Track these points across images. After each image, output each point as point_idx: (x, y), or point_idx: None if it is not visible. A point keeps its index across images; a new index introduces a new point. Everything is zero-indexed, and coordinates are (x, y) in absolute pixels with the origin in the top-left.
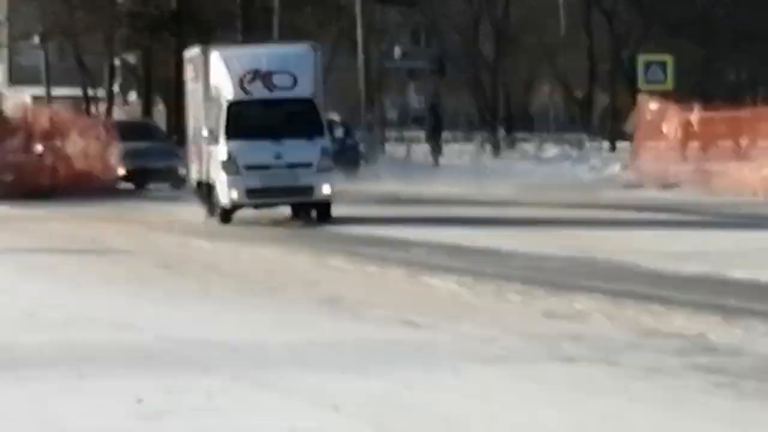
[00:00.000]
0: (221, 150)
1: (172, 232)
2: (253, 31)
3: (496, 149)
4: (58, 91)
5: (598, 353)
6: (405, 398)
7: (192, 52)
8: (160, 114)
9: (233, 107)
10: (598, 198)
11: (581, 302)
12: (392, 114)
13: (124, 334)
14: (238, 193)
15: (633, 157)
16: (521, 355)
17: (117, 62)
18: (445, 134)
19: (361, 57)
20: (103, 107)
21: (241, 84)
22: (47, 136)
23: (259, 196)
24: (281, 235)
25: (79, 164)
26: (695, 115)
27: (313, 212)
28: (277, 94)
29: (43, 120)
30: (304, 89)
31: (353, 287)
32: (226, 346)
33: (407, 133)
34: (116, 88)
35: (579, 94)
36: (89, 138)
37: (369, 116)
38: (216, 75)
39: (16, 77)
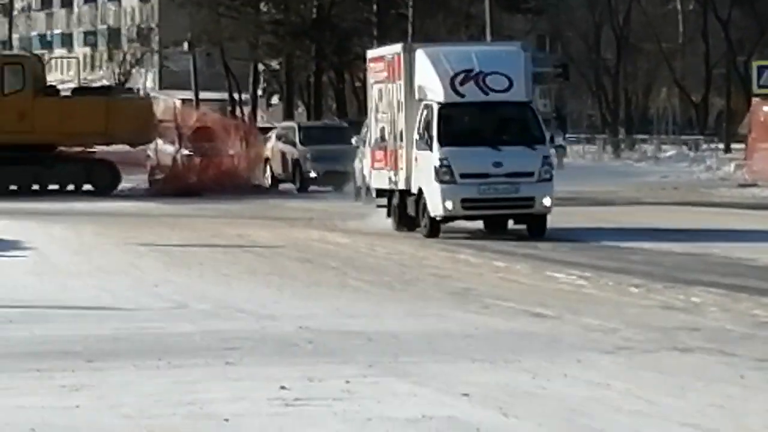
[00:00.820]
0: (433, 157)
1: (312, 228)
2: (388, 37)
3: (617, 150)
4: (205, 95)
5: (714, 344)
6: (531, 386)
7: (385, 51)
8: (300, 116)
9: (446, 110)
10: (714, 196)
11: (698, 295)
12: None
13: (268, 325)
14: (453, 204)
15: (747, 158)
16: (641, 346)
17: (260, 67)
18: (569, 136)
19: None
20: (247, 110)
21: (452, 85)
22: (195, 138)
23: (475, 207)
24: (415, 230)
25: (226, 164)
26: None
27: (510, 223)
28: (493, 97)
29: (191, 122)
30: (520, 92)
31: (482, 281)
32: (363, 336)
33: None
34: (260, 91)
35: (696, 97)
36: (235, 139)
37: None
38: (422, 75)
39: (166, 82)
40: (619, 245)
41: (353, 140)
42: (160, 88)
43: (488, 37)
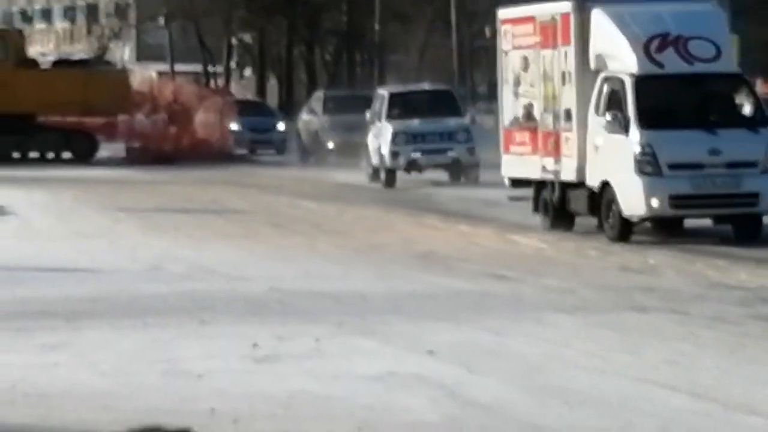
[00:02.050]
0: (630, 142)
1: (282, 194)
2: (356, 12)
3: None
4: (180, 68)
5: (668, 303)
6: (493, 344)
7: (536, 10)
8: (272, 89)
9: (643, 84)
10: None
11: (654, 257)
12: (482, 89)
13: (240, 286)
14: (660, 201)
15: None
16: (598, 306)
17: (234, 41)
18: None
19: (454, 37)
20: (221, 82)
21: (647, 53)
22: (171, 108)
23: (687, 205)
24: (381, 196)
25: (200, 133)
26: None
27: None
28: (699, 68)
29: (167, 93)
30: (730, 61)
31: (447, 244)
32: (332, 297)
33: (494, 106)
34: (233, 64)
35: None
36: (208, 109)
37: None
38: (602, 40)
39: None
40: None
41: (367, 114)
42: (137, 60)
43: (453, 14)
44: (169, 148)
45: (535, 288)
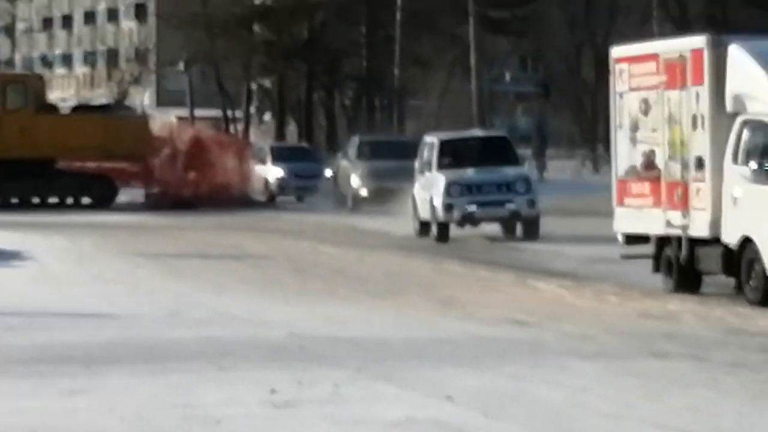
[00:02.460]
0: None
1: (303, 239)
2: (376, 57)
3: (596, 165)
4: (200, 113)
5: (689, 349)
6: (513, 390)
7: (660, 47)
8: (291, 134)
9: None
10: None
11: (673, 303)
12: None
13: (260, 331)
14: None
15: None
16: (618, 352)
17: (253, 86)
18: (550, 151)
19: (473, 81)
20: (240, 127)
21: None
22: (190, 153)
23: None
24: (401, 242)
25: (220, 178)
26: None
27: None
28: None
29: (186, 138)
30: None
31: (466, 289)
32: (352, 342)
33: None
34: (253, 109)
35: None
36: (228, 154)
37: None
38: (741, 79)
39: (163, 100)
40: (597, 255)
41: (415, 164)
42: (157, 105)
43: (472, 59)
44: (188, 194)
45: (555, 334)
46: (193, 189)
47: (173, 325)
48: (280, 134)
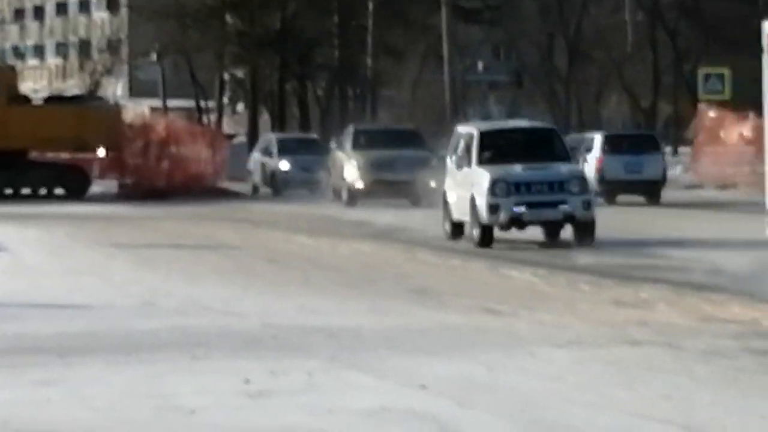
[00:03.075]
0: None
1: (277, 229)
2: (349, 47)
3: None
4: (173, 103)
5: (662, 337)
6: (486, 378)
7: None
8: (265, 124)
9: None
10: (662, 197)
11: (646, 291)
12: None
13: (233, 321)
14: None
15: (694, 161)
16: (592, 340)
17: (226, 76)
18: None
19: (446, 71)
20: (213, 117)
21: None
22: (163, 143)
23: None
24: (375, 231)
25: (192, 168)
26: (750, 123)
27: None
28: None
29: (159, 129)
30: None
31: (440, 279)
32: (325, 332)
33: None
34: (225, 100)
35: (644, 103)
36: (201, 145)
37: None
38: None
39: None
40: (567, 241)
41: (447, 159)
42: (130, 96)
43: (445, 48)
44: (161, 184)
45: (528, 322)
46: (166, 179)
47: (146, 316)
48: (254, 124)
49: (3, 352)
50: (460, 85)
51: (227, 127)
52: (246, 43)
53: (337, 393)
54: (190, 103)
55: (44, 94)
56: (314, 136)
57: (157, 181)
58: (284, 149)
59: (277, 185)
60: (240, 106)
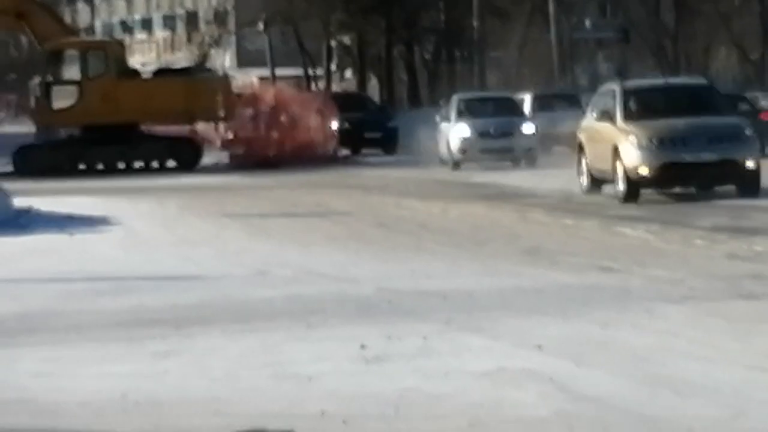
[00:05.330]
0: None
1: (387, 194)
2: (455, 9)
3: None
4: (281, 72)
5: None
6: (602, 336)
7: None
8: (373, 89)
9: None
10: None
11: (761, 244)
12: (583, 81)
13: (347, 287)
14: None
15: None
16: (707, 295)
17: (333, 43)
18: None
19: (553, 30)
20: (322, 84)
21: None
22: (273, 112)
23: None
24: (485, 193)
25: (302, 136)
26: None
27: None
28: None
29: (268, 98)
30: None
31: (552, 238)
32: (439, 295)
33: None
34: (333, 66)
35: (754, 56)
36: (310, 112)
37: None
38: None
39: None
40: (685, 200)
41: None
42: (238, 66)
43: (551, 7)
44: (272, 153)
45: (642, 279)
46: (276, 148)
47: (261, 285)
48: (362, 90)
49: (120, 325)
50: (567, 44)
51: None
52: (352, 9)
53: (452, 356)
54: (298, 72)
55: (153, 67)
56: (509, 95)
57: (268, 150)
58: (466, 112)
59: (453, 159)
60: (348, 73)
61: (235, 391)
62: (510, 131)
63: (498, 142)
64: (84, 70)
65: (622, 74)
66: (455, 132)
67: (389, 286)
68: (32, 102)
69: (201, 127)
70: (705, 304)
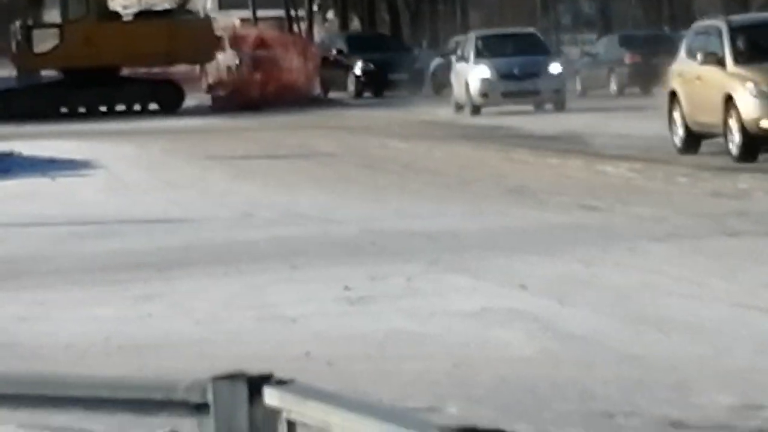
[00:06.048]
0: None
1: (371, 135)
2: None
3: None
4: (262, 13)
5: (762, 227)
6: (585, 275)
7: None
8: (355, 30)
9: None
10: None
11: (745, 182)
12: (566, 19)
13: (332, 228)
14: None
15: None
16: (690, 232)
17: None
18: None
19: None
20: (304, 26)
21: None
22: (255, 54)
23: None
24: (470, 133)
25: (285, 78)
26: None
27: None
28: None
29: (250, 39)
30: None
31: (536, 178)
32: (424, 235)
33: (580, 36)
34: (315, 7)
35: None
36: (293, 53)
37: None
38: None
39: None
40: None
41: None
42: (219, 8)
43: None
44: (254, 95)
45: (626, 217)
46: (259, 90)
47: (245, 227)
48: (344, 31)
49: (103, 269)
50: None
51: (317, 35)
52: None
53: (437, 296)
54: (279, 13)
55: (134, 9)
56: (532, 30)
57: (250, 92)
58: (485, 51)
59: (472, 103)
60: (330, 14)
61: (220, 334)
62: (536, 72)
63: (522, 84)
64: (64, 13)
65: (604, 12)
66: (474, 74)
67: (374, 227)
68: (13, 46)
69: (183, 69)
70: (689, 242)
